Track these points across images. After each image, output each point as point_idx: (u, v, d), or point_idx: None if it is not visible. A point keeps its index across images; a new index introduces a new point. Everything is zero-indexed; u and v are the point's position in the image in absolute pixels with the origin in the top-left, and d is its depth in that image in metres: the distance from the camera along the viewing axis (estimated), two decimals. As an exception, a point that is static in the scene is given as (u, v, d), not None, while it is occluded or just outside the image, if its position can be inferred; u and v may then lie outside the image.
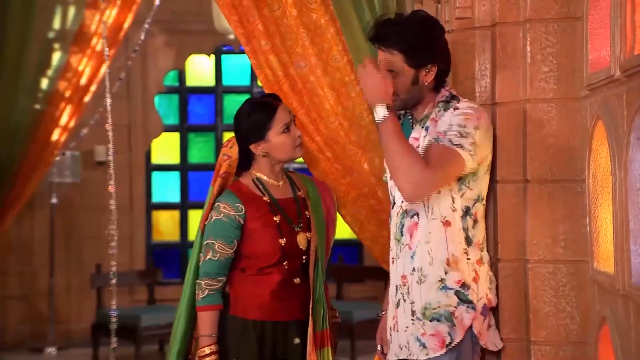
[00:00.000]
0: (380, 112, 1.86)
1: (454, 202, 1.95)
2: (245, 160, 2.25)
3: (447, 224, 1.95)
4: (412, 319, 1.97)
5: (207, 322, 2.17)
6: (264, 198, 2.22)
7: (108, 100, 4.01)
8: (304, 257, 2.22)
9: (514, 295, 2.03)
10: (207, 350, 2.16)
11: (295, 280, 2.21)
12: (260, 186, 2.23)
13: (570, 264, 1.99)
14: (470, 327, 1.94)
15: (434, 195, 1.94)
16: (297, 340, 2.21)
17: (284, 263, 2.19)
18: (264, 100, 2.24)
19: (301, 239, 2.22)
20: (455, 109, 1.95)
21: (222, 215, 2.18)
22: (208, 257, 2.18)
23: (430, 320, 1.94)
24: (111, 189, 4.04)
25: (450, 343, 1.93)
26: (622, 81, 1.68)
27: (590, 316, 1.96)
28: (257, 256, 2.19)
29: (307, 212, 2.26)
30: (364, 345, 4.60)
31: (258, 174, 2.24)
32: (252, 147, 2.22)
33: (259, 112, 2.20)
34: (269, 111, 2.19)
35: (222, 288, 2.21)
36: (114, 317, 4.03)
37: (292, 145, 2.20)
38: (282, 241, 2.18)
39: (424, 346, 1.95)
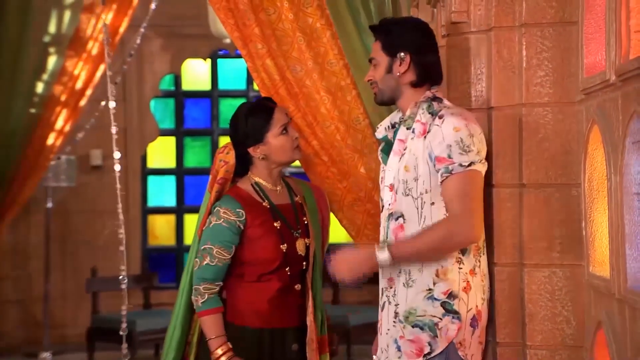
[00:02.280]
0: (382, 256, 1.91)
1: (447, 211, 1.93)
2: (243, 165, 2.24)
3: None
4: (393, 322, 1.97)
5: (212, 325, 2.15)
6: (264, 204, 2.21)
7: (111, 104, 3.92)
8: (303, 263, 2.21)
9: (510, 300, 2.02)
10: (219, 352, 2.13)
11: (296, 286, 2.20)
12: (260, 191, 2.23)
13: (566, 268, 1.99)
14: (453, 339, 1.91)
15: (427, 205, 1.94)
16: (295, 347, 2.20)
17: (286, 269, 2.18)
18: (260, 103, 2.24)
19: (300, 245, 2.21)
20: (440, 117, 1.93)
21: (222, 220, 2.16)
22: (205, 263, 2.16)
23: (412, 326, 1.93)
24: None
25: (429, 353, 1.91)
26: (618, 85, 1.68)
27: (586, 320, 1.95)
28: (257, 262, 2.18)
29: (304, 218, 2.25)
30: (359, 350, 4.59)
31: (257, 179, 2.23)
32: (250, 150, 2.21)
33: (257, 115, 2.20)
34: (267, 113, 2.20)
35: (219, 292, 2.19)
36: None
37: (291, 146, 2.21)
38: (284, 247, 2.18)
39: (399, 349, 1.94)
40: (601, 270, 1.84)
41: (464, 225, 1.89)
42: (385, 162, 2.05)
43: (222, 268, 2.17)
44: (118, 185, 3.81)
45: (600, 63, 1.83)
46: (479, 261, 1.98)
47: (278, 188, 2.25)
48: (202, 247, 2.17)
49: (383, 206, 2.05)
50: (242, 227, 2.17)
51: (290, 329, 2.20)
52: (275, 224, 2.19)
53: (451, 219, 1.90)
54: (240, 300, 2.19)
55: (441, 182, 1.92)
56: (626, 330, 1.65)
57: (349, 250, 1.95)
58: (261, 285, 2.18)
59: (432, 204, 1.94)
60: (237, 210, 2.17)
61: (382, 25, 2.03)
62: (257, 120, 2.19)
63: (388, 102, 2.05)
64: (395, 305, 1.97)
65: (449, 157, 1.90)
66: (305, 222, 2.25)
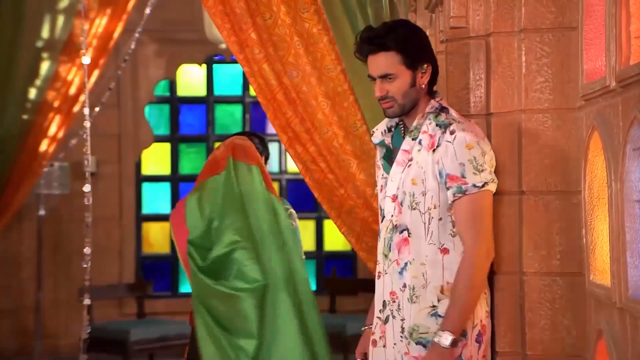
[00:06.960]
0: (446, 340, 1.86)
1: (454, 226, 1.91)
2: None
3: (444, 251, 1.91)
4: (400, 336, 1.94)
5: None
6: None
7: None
8: None
9: (510, 308, 2.00)
10: None
11: None
12: None
13: (567, 276, 1.97)
14: (460, 355, 1.89)
15: (434, 221, 1.91)
16: None
17: None
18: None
19: None
20: (452, 132, 1.89)
21: None
22: None
23: (416, 343, 1.90)
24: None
25: None
26: (618, 91, 1.67)
27: (587, 329, 1.94)
28: None
29: None
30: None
31: None
32: None
33: None
34: None
35: None
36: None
37: None
38: None
39: None
40: (602, 278, 1.82)
41: (479, 254, 1.87)
42: (386, 170, 2.01)
43: None
44: None
45: (600, 69, 1.81)
46: None
47: None
48: None
49: (384, 217, 2.00)
50: None
51: None
52: None
53: (465, 257, 1.88)
54: None
55: (453, 201, 1.89)
56: (627, 340, 1.63)
57: None
58: None
59: (440, 219, 1.91)
60: None
61: (391, 35, 1.89)
62: None
63: (404, 114, 1.97)
64: (402, 320, 1.94)
65: (463, 176, 1.88)
66: None
